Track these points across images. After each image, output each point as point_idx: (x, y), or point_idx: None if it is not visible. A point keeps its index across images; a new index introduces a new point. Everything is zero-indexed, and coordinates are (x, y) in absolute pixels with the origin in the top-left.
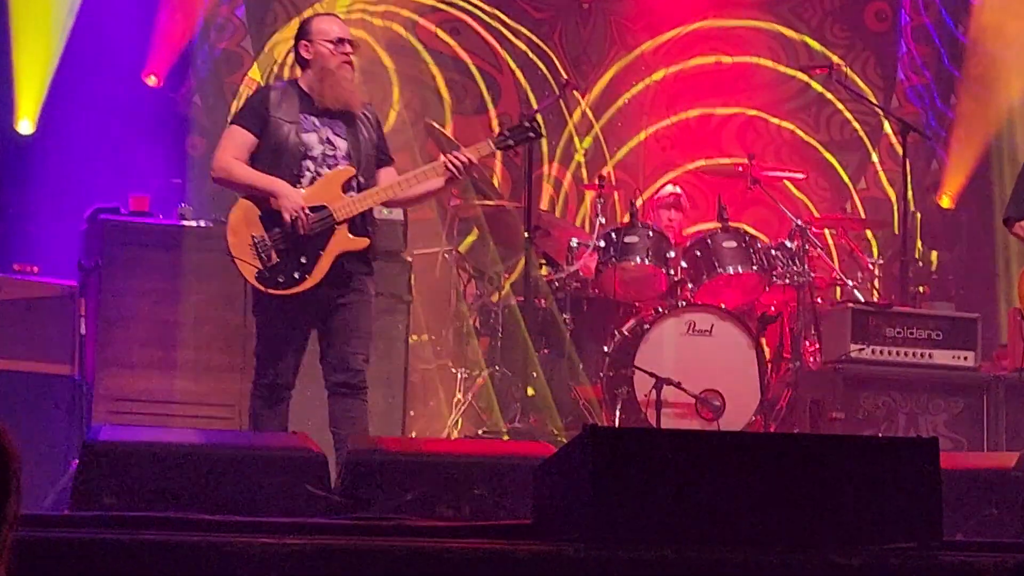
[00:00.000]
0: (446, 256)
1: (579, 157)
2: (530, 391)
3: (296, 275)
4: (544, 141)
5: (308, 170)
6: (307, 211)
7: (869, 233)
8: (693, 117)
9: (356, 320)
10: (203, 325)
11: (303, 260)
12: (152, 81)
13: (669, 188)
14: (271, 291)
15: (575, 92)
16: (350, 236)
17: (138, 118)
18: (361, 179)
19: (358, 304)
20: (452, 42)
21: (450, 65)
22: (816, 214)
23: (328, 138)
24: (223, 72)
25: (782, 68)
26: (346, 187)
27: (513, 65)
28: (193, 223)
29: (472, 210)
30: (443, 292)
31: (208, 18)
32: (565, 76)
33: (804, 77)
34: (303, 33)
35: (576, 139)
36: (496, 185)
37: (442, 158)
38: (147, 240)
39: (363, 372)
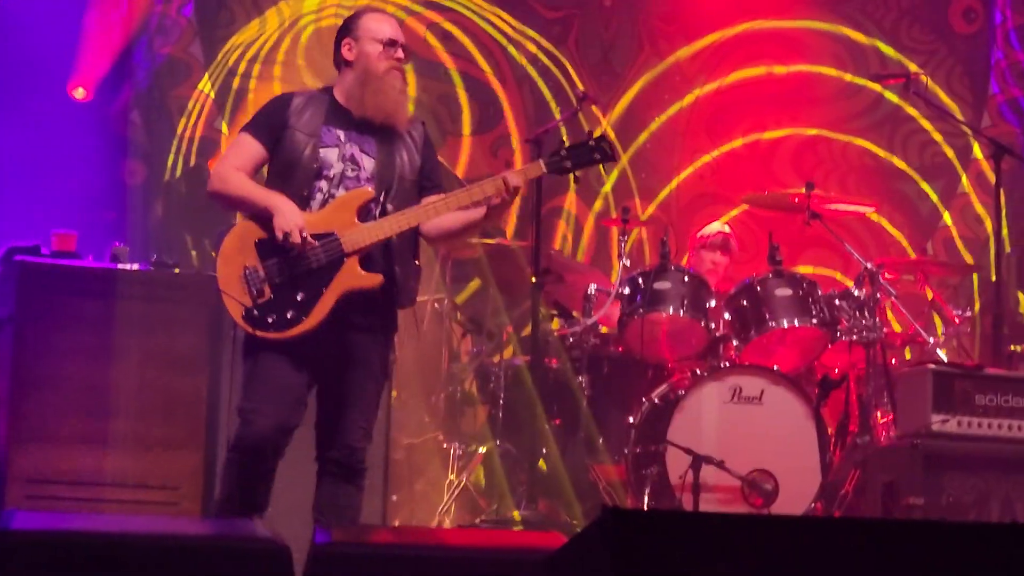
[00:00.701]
0: (436, 305)
1: (606, 188)
2: (539, 470)
3: (290, 315)
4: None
5: (320, 191)
6: (306, 232)
7: (955, 279)
8: (739, 138)
9: (361, 382)
10: (142, 390)
11: (300, 298)
12: (80, 94)
13: (716, 226)
14: (259, 333)
15: (594, 108)
16: (361, 272)
17: (63, 139)
18: (390, 206)
19: (365, 357)
20: (442, 49)
21: (441, 76)
22: (890, 256)
23: (352, 155)
24: (167, 83)
25: (848, 77)
26: (363, 213)
27: (522, 74)
28: (130, 266)
29: (468, 250)
30: (433, 349)
31: (148, 18)
32: (582, 88)
33: (876, 88)
34: (348, 30)
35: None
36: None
37: (498, 177)
38: (74, 287)
39: (363, 451)
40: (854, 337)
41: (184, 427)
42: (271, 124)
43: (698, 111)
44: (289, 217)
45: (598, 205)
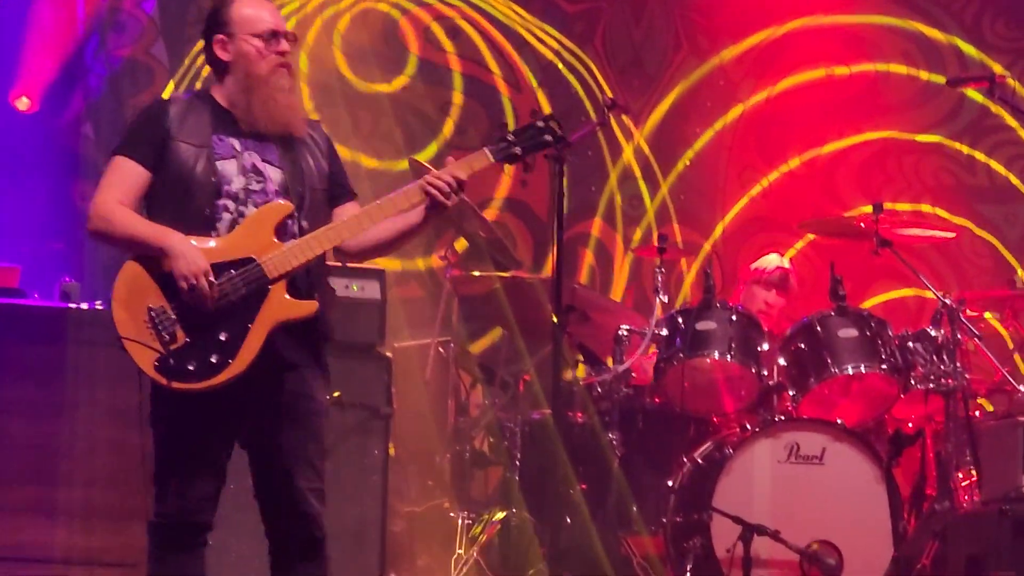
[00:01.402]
0: (441, 350)
1: (650, 215)
2: (562, 542)
3: (214, 359)
4: (572, 181)
5: (226, 211)
6: (211, 276)
7: None
8: (795, 154)
9: (305, 432)
10: (96, 451)
11: (223, 338)
12: (23, 104)
13: (774, 260)
14: (177, 385)
15: (624, 117)
16: (291, 300)
17: (4, 156)
18: (304, 222)
19: (306, 406)
20: (450, 47)
21: (446, 79)
22: (973, 289)
23: (254, 166)
24: (125, 90)
25: (924, 75)
26: (281, 231)
27: (534, 80)
28: (81, 306)
29: (478, 284)
30: (437, 402)
31: (101, 14)
32: (610, 95)
33: (960, 93)
34: (218, 24)
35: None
36: (512, 250)
37: (420, 181)
38: (16, 330)
39: (319, 517)
40: (931, 385)
41: (142, 494)
42: (150, 139)
43: (746, 121)
44: (191, 259)
45: (637, 235)
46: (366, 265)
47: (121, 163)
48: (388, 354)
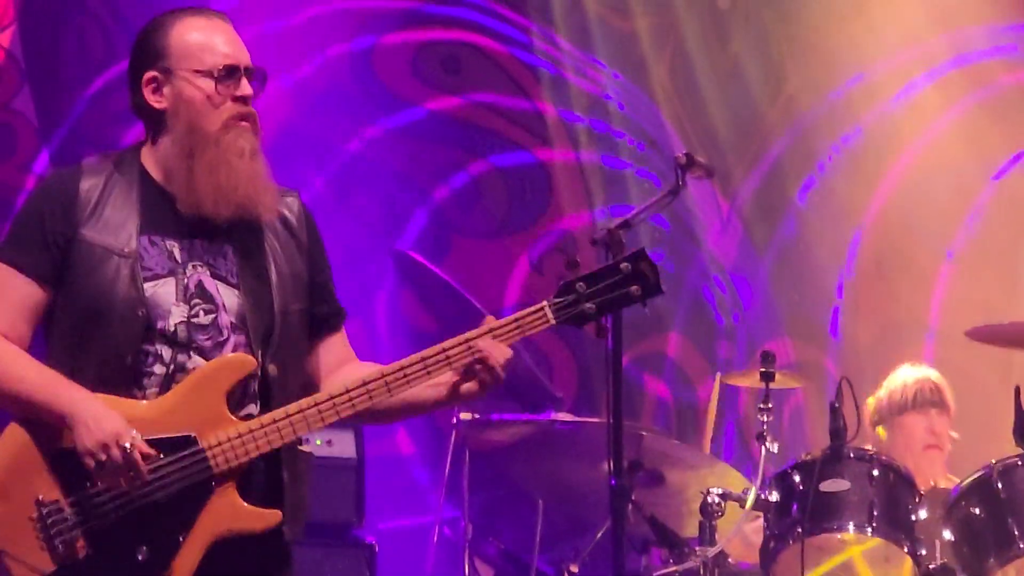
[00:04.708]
0: (448, 531)
1: (748, 324)
2: None
3: None
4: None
5: (159, 361)
6: (138, 440)
7: None
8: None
9: None
10: None
11: (142, 557)
12: None
13: (910, 371)
14: None
15: (711, 180)
16: (241, 505)
17: None
18: (272, 367)
19: None
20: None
21: (445, 134)
22: None
23: (200, 286)
24: None
25: None
26: (240, 391)
27: (580, 131)
28: None
29: (498, 433)
30: None
31: None
32: (685, 152)
33: None
34: (148, 55)
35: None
36: (547, 382)
37: (460, 340)
38: None
39: None
40: None
41: None
42: (47, 239)
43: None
44: (101, 421)
45: (729, 353)
46: None
47: (3, 277)
48: (371, 540)
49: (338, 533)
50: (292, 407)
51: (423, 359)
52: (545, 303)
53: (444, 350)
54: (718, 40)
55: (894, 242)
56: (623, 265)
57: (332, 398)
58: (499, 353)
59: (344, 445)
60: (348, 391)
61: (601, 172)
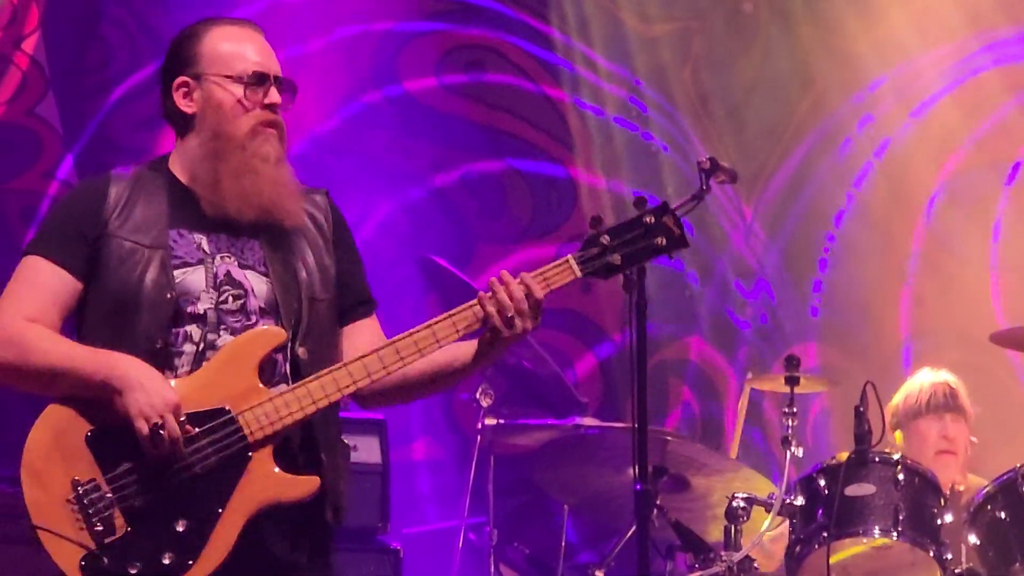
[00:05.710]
0: (472, 537)
1: (774, 330)
2: None
3: (168, 560)
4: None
5: (189, 340)
6: (184, 418)
7: None
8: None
9: None
10: None
11: (181, 529)
12: None
13: (930, 376)
14: None
15: (733, 186)
16: (280, 474)
17: None
18: (301, 351)
19: None
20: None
21: (468, 140)
22: None
23: (229, 274)
24: None
25: None
26: (269, 370)
27: (605, 136)
28: None
29: (523, 436)
30: None
31: None
32: (708, 157)
33: None
34: (180, 61)
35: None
36: (572, 387)
37: (476, 300)
38: None
39: None
40: None
41: None
42: (78, 234)
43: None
44: (152, 393)
45: (755, 359)
46: (359, 414)
47: (36, 267)
48: (396, 546)
49: (363, 538)
50: (323, 371)
51: (449, 315)
52: (569, 256)
53: (470, 306)
54: (741, 44)
55: (921, 247)
56: (647, 218)
57: (362, 358)
58: (516, 290)
59: (369, 450)
60: (377, 351)
61: None
